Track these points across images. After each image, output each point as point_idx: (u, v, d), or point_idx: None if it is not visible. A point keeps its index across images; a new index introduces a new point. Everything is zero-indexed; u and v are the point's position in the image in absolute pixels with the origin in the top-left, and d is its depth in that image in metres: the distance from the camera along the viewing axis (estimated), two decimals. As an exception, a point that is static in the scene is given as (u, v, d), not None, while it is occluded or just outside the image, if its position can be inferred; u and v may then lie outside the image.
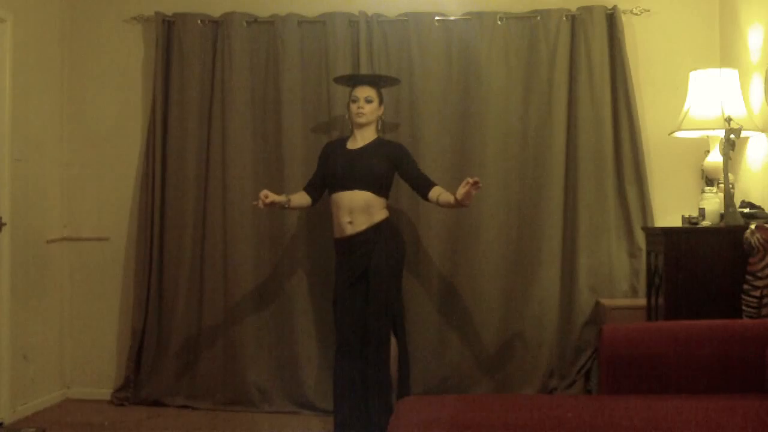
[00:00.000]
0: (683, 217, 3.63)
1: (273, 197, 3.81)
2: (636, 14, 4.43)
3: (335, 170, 3.90)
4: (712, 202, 3.47)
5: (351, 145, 3.97)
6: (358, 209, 3.83)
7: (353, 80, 4.07)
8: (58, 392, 4.71)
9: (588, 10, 4.39)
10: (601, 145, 4.35)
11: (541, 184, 4.39)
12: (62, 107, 4.78)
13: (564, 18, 4.40)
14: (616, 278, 4.34)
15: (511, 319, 4.40)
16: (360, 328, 3.83)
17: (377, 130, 4.02)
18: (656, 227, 4.02)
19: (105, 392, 4.66)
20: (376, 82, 4.05)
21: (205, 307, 4.54)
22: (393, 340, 3.91)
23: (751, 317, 2.93)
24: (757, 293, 2.91)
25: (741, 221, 3.29)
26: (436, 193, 3.90)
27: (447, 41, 4.48)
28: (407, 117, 4.47)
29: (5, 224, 4.20)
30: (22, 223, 4.36)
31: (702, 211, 3.47)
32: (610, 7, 4.39)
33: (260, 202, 3.80)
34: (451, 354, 4.42)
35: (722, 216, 3.42)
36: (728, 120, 3.42)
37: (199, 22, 4.60)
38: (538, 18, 4.42)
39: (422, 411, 2.29)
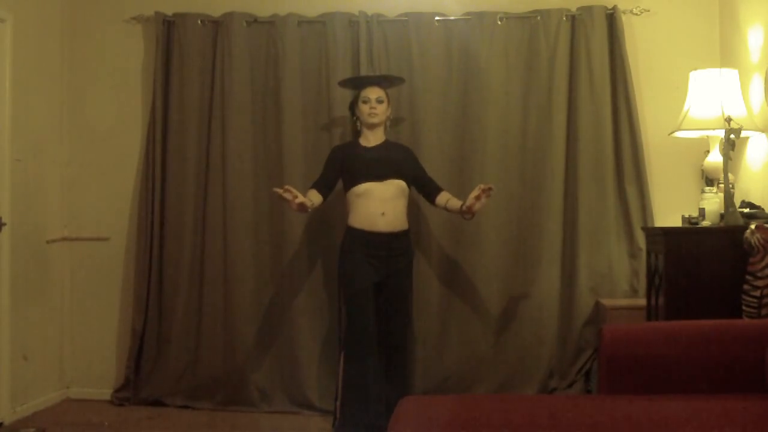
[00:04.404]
0: (683, 217, 3.63)
1: (302, 199, 3.67)
2: (636, 14, 4.43)
3: (361, 165, 3.90)
4: (712, 202, 3.47)
5: (366, 143, 4.01)
6: (391, 198, 3.87)
7: (361, 81, 4.09)
8: (58, 392, 4.70)
9: (588, 10, 4.39)
10: (601, 144, 4.35)
11: (540, 184, 4.39)
12: (62, 107, 4.78)
13: (564, 18, 4.40)
14: (616, 278, 4.34)
15: (511, 319, 4.40)
16: (373, 329, 3.85)
17: (385, 131, 4.06)
18: (656, 227, 4.01)
19: (105, 392, 4.66)
20: (383, 82, 4.08)
21: (205, 307, 4.53)
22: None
23: (751, 317, 2.93)
24: (757, 293, 2.91)
25: (741, 221, 3.29)
26: (444, 198, 3.97)
27: (447, 41, 4.47)
28: (407, 117, 4.46)
29: (5, 224, 4.19)
30: (22, 223, 4.36)
31: (702, 211, 3.46)
32: (610, 7, 4.39)
33: (284, 192, 3.62)
34: (451, 354, 4.41)
35: (722, 216, 3.42)
36: (728, 120, 3.42)
37: (199, 22, 4.60)
38: (538, 18, 4.42)
39: (422, 411, 2.29)
